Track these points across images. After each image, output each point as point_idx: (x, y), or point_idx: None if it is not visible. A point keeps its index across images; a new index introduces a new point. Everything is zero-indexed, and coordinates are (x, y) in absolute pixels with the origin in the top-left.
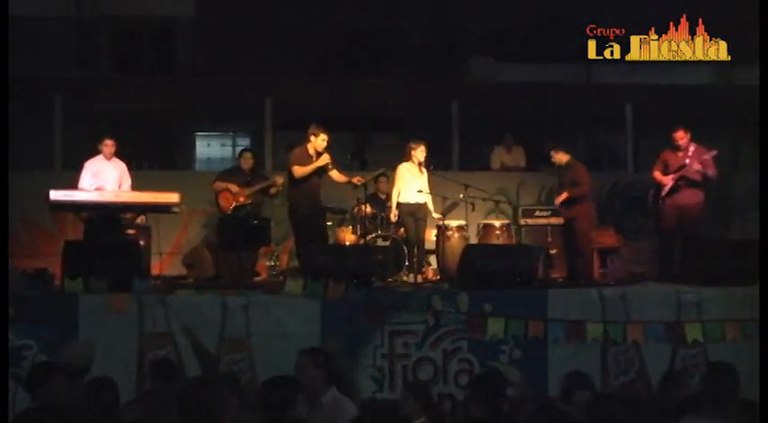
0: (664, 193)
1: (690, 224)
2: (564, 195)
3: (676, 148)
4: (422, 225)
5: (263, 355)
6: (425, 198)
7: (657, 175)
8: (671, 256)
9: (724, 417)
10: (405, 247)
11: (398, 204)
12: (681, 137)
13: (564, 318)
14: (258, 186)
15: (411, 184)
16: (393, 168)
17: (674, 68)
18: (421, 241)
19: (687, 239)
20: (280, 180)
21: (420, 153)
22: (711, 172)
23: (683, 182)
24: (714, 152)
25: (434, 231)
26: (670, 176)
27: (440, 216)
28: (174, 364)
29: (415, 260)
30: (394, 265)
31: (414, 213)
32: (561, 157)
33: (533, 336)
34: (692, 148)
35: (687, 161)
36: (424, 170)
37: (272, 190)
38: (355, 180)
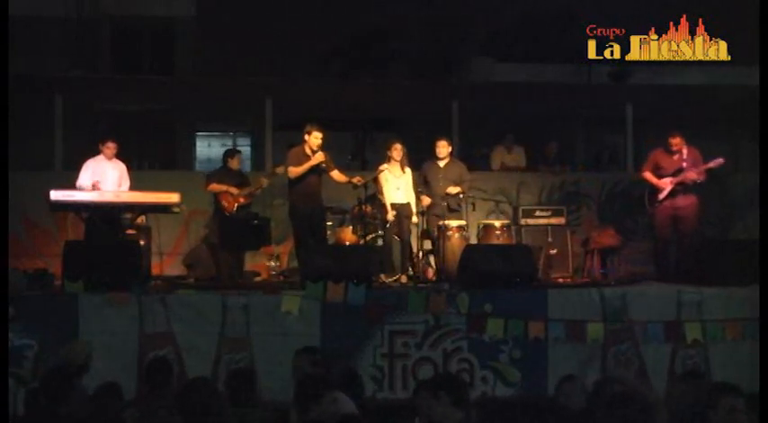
0: (662, 197)
1: (686, 226)
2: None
3: (671, 152)
4: (406, 224)
5: (263, 355)
6: (408, 197)
7: (650, 176)
8: (667, 257)
9: None
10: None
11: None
12: (678, 143)
13: (564, 318)
14: (251, 188)
15: (392, 184)
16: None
17: (674, 68)
18: (406, 240)
19: (684, 240)
20: (265, 181)
21: (395, 152)
22: (703, 178)
23: (679, 186)
24: (720, 161)
25: (435, 231)
26: (669, 180)
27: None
28: (174, 364)
29: (410, 261)
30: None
31: (398, 213)
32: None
33: (533, 336)
34: (685, 152)
35: (684, 165)
36: (407, 169)
37: (256, 191)
38: (355, 180)
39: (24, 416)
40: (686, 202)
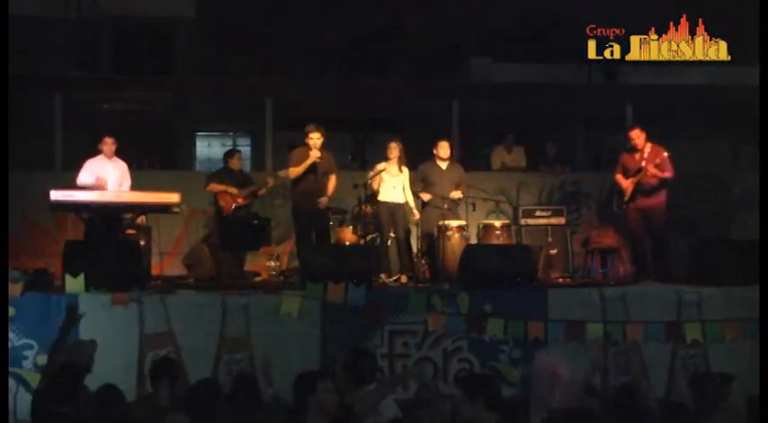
0: (626, 198)
1: (656, 226)
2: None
3: (632, 149)
4: (402, 224)
5: (263, 355)
6: (405, 197)
7: (619, 178)
8: (644, 256)
9: None
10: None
11: (380, 203)
12: (636, 135)
13: (564, 318)
14: (252, 188)
15: (388, 182)
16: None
17: (674, 68)
18: (401, 240)
19: (657, 242)
20: (271, 181)
21: (390, 151)
22: (668, 174)
23: (642, 186)
24: (665, 154)
25: (434, 231)
26: (630, 181)
27: (417, 215)
28: (175, 363)
29: (409, 261)
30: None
31: (392, 213)
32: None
33: (533, 336)
34: (647, 150)
35: (643, 164)
36: (404, 169)
37: (261, 191)
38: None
39: (31, 416)
40: (654, 201)
